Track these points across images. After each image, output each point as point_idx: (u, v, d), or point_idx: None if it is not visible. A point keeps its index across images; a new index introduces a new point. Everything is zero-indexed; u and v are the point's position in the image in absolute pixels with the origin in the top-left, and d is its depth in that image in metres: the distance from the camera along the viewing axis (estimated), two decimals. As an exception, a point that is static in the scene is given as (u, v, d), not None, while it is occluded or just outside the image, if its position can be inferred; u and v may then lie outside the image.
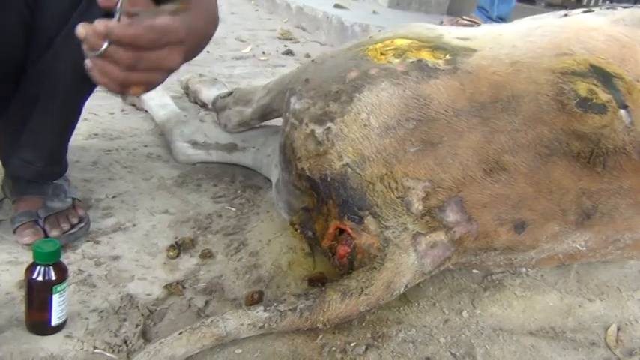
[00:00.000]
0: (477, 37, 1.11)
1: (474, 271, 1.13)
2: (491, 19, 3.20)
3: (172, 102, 1.75)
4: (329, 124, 0.97)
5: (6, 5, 0.98)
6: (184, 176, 1.44)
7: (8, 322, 0.88)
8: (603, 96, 0.93)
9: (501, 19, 3.22)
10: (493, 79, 0.97)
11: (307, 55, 2.95)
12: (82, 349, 0.85)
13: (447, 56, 1.01)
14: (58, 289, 0.85)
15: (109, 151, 1.53)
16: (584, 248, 1.05)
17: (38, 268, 0.84)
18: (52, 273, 0.84)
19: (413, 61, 0.99)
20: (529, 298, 1.07)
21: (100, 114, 1.78)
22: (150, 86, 0.72)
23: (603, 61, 1.00)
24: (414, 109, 0.94)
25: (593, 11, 1.24)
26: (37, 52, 0.99)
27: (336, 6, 3.71)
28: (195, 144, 1.51)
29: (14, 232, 1.07)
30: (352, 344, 0.91)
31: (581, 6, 4.80)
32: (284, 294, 0.98)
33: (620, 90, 0.95)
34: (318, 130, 0.98)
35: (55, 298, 0.85)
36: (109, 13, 0.93)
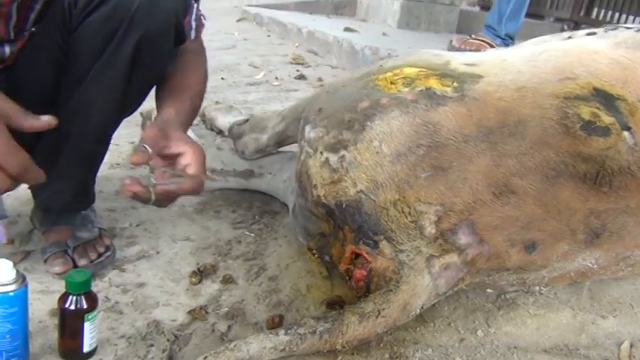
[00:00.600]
0: (483, 62, 1.15)
1: (488, 290, 1.15)
2: (499, 37, 3.24)
3: (190, 130, 1.81)
4: (343, 152, 1.01)
5: (39, 47, 1.04)
6: (204, 203, 1.49)
7: (42, 350, 0.92)
8: (606, 119, 0.96)
9: (510, 37, 3.26)
10: (499, 105, 1.01)
11: (319, 79, 3.01)
12: (112, 374, 0.89)
13: (455, 83, 1.05)
14: (89, 317, 0.89)
15: (130, 180, 1.58)
16: (596, 266, 1.07)
17: (70, 297, 0.88)
18: (84, 302, 0.88)
19: (422, 90, 1.03)
20: (543, 316, 1.10)
21: (121, 143, 1.84)
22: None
23: (606, 83, 1.03)
24: (424, 136, 0.98)
25: (597, 34, 1.27)
26: (68, 90, 1.04)
27: (346, 29, 3.78)
28: (213, 171, 1.56)
29: (45, 261, 1.12)
30: (371, 365, 0.94)
31: (589, 19, 4.82)
32: (304, 317, 1.01)
33: (622, 112, 0.98)
34: (333, 158, 1.02)
35: (87, 326, 0.89)
36: (137, 50, 0.99)
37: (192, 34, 1.12)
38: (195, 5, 1.11)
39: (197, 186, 0.93)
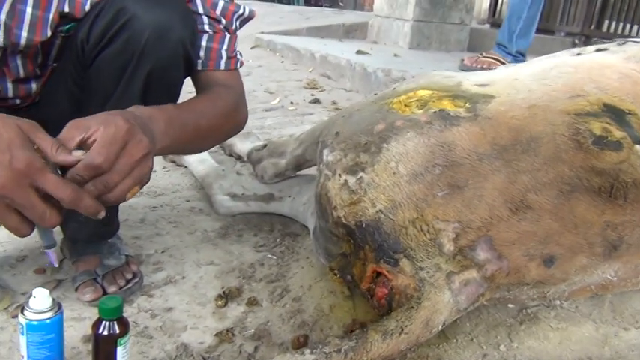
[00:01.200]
0: (494, 82, 1.18)
1: (510, 305, 1.16)
2: (510, 54, 3.27)
3: (210, 157, 1.85)
4: (361, 174, 1.04)
5: (58, 83, 1.09)
6: (226, 228, 1.52)
7: (76, 375, 0.96)
8: (617, 134, 0.99)
9: (521, 54, 3.29)
10: (512, 123, 1.03)
11: (334, 102, 3.06)
12: (144, 396, 0.92)
13: (467, 104, 1.08)
14: (122, 341, 0.92)
15: (154, 207, 1.62)
16: (615, 278, 1.08)
17: (104, 323, 0.91)
18: (116, 327, 0.91)
19: (435, 111, 1.06)
20: (565, 329, 1.10)
21: (143, 172, 1.89)
22: (139, 187, 0.81)
23: (616, 99, 1.05)
24: (439, 155, 1.01)
25: (607, 50, 1.30)
26: None
27: (359, 52, 3.84)
28: (234, 196, 1.60)
29: (76, 290, 1.16)
30: (396, 381, 0.96)
31: (600, 33, 4.83)
32: (328, 337, 1.03)
33: (633, 127, 1.00)
34: (351, 180, 1.05)
35: (119, 350, 0.92)
36: (148, 82, 1.02)
37: (222, 65, 1.14)
38: (228, 37, 1.13)
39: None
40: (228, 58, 1.14)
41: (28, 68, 1.05)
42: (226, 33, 1.13)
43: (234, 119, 1.16)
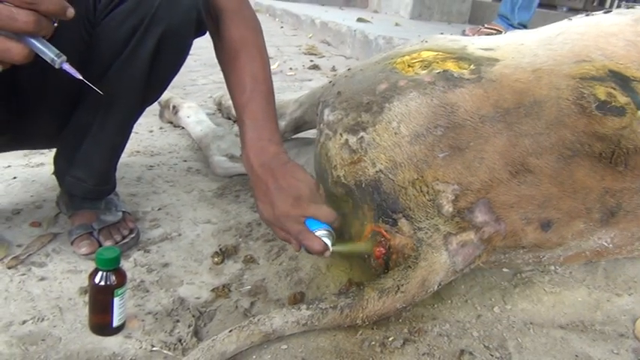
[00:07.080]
0: (499, 46, 1.17)
1: (504, 269, 1.17)
2: (512, 26, 3.25)
3: (207, 118, 1.84)
4: (362, 134, 1.03)
5: (62, 42, 1.07)
6: (223, 188, 1.52)
7: (73, 325, 0.96)
8: (622, 99, 0.98)
9: (523, 26, 3.26)
10: (516, 86, 1.02)
11: (333, 69, 3.03)
12: (140, 347, 0.92)
13: (472, 66, 1.06)
14: (119, 292, 0.92)
15: (151, 166, 1.62)
16: (611, 245, 1.09)
17: (100, 273, 0.91)
18: (113, 278, 0.91)
19: (439, 72, 1.05)
20: (558, 293, 1.11)
21: (140, 132, 1.88)
22: None
23: (622, 66, 1.04)
24: (441, 116, 1.00)
25: (615, 12, 1.28)
26: (92, 82, 1.07)
27: (359, 20, 3.79)
28: (231, 157, 1.59)
29: (72, 243, 1.16)
30: (390, 339, 0.97)
31: (602, 10, 4.78)
32: (324, 294, 1.04)
33: (638, 93, 0.99)
34: (352, 140, 1.04)
35: (116, 301, 0.92)
36: (159, 46, 1.00)
37: None
38: None
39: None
40: None
41: None
42: None
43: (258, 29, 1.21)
